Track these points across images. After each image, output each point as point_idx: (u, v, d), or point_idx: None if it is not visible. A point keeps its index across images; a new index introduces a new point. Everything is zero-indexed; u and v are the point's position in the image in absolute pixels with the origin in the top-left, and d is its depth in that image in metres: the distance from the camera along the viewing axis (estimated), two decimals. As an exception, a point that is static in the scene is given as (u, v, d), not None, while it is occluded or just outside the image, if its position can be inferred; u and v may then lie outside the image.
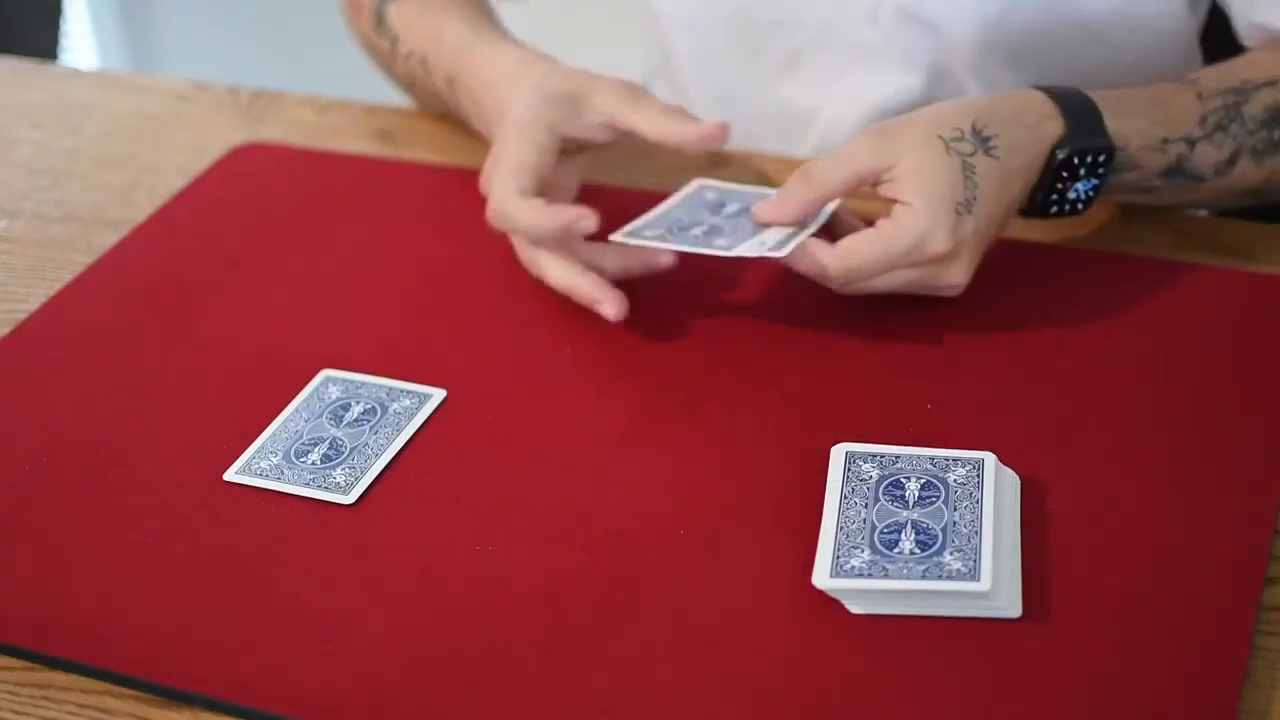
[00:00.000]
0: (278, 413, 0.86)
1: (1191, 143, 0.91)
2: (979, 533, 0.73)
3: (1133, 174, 0.90)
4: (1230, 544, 0.75)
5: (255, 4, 2.46)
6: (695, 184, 0.94)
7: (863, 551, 0.73)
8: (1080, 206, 0.90)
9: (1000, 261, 0.91)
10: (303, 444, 0.83)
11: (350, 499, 0.80)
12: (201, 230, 1.03)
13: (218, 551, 0.78)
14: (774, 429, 0.83)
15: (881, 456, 0.78)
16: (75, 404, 0.88)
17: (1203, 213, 1.02)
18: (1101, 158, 0.88)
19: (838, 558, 0.73)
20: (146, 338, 0.93)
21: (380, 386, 0.86)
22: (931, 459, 0.77)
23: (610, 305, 0.88)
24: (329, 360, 0.89)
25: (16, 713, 0.72)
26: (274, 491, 0.81)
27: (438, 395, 0.86)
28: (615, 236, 0.89)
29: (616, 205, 0.93)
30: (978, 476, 0.76)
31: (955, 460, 0.77)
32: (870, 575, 0.72)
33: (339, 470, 0.81)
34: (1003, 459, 0.78)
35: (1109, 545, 0.75)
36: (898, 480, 0.76)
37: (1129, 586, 0.73)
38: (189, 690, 0.71)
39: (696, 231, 0.89)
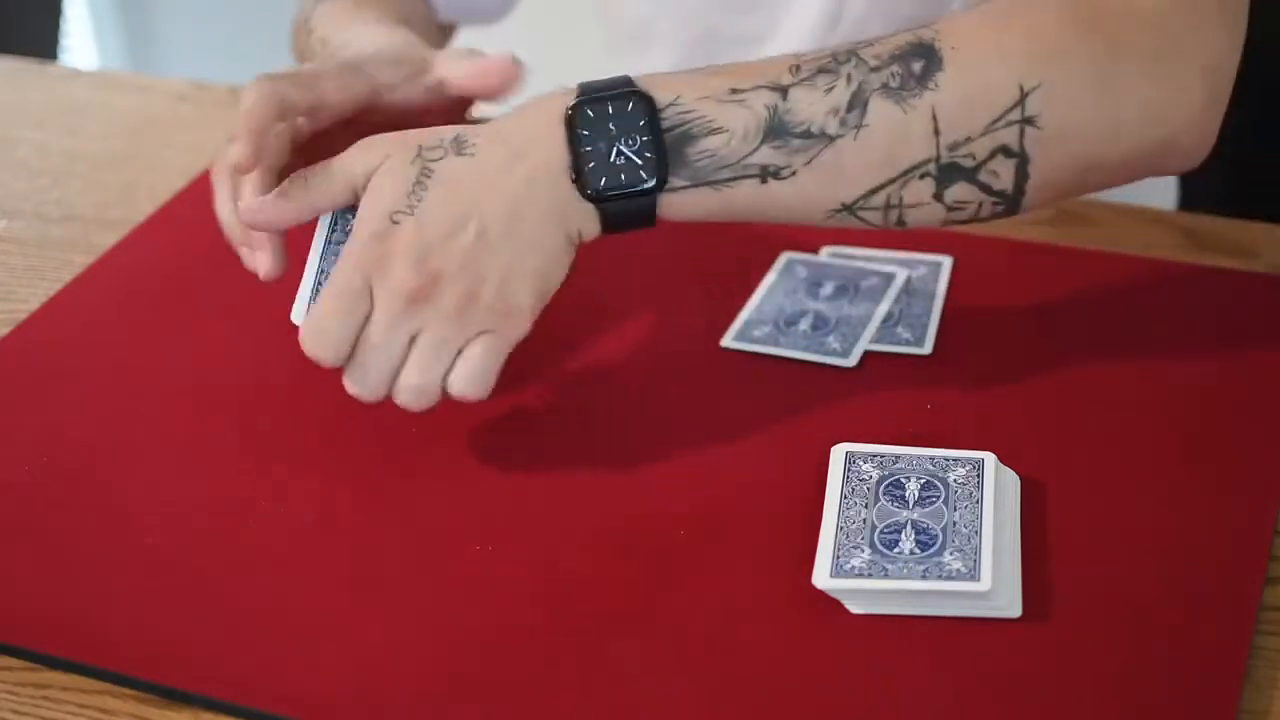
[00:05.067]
0: (278, 412, 0.86)
1: (782, 90, 0.76)
2: (979, 533, 0.73)
3: (717, 138, 0.76)
4: (1230, 544, 0.75)
5: (255, 4, 2.46)
6: (784, 260, 0.94)
7: (863, 551, 0.73)
8: (643, 175, 0.76)
9: (1001, 261, 0.91)
10: None
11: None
12: (201, 230, 1.02)
13: (218, 552, 0.78)
14: (774, 429, 0.83)
15: (881, 456, 0.78)
16: (75, 404, 0.88)
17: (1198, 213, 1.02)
18: (631, 105, 0.76)
19: (838, 558, 0.73)
20: (146, 338, 0.93)
21: None
22: (931, 459, 0.77)
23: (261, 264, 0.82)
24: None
25: (16, 713, 0.72)
26: (272, 491, 0.81)
27: None
28: (725, 342, 0.88)
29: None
30: (978, 476, 0.76)
31: (955, 460, 0.77)
32: (870, 575, 0.72)
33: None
34: (1003, 459, 0.78)
35: (1109, 545, 0.75)
36: (898, 480, 0.76)
37: (1129, 587, 0.73)
38: (189, 690, 0.71)
39: (804, 326, 0.89)
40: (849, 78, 0.76)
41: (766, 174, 0.76)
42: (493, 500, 0.80)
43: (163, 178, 1.09)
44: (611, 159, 0.76)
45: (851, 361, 0.87)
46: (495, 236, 0.76)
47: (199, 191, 1.07)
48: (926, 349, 0.87)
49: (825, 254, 0.94)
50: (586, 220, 0.77)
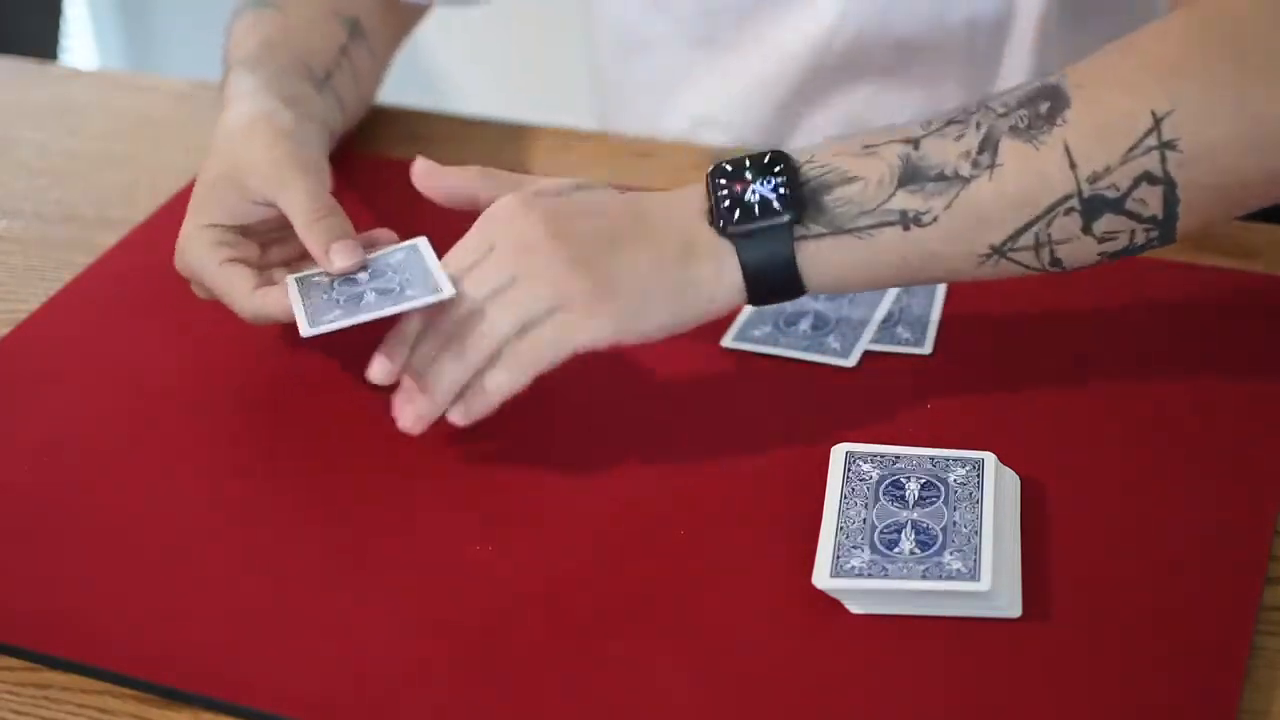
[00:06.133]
0: (278, 412, 0.86)
1: (913, 141, 0.78)
2: (979, 533, 0.73)
3: (853, 186, 0.78)
4: (1230, 544, 0.75)
5: (255, 4, 2.46)
6: None
7: (863, 551, 0.73)
8: (777, 207, 0.77)
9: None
10: None
11: None
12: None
13: (218, 552, 0.78)
14: (774, 429, 0.83)
15: (881, 456, 0.78)
16: (75, 404, 0.88)
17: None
18: (767, 157, 0.79)
19: (838, 558, 0.73)
20: (146, 338, 0.93)
21: None
22: (931, 459, 0.77)
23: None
24: (329, 359, 0.89)
25: (16, 713, 0.72)
26: (272, 491, 0.81)
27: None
28: (725, 342, 0.89)
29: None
30: (978, 476, 0.76)
31: (955, 460, 0.77)
32: (870, 575, 0.72)
33: None
34: (1003, 459, 0.78)
35: (1109, 545, 0.75)
36: (898, 480, 0.76)
37: (1129, 586, 0.73)
38: (189, 690, 0.71)
39: (804, 326, 0.89)
40: (978, 125, 0.78)
41: (907, 220, 0.77)
42: (493, 500, 0.80)
43: (163, 178, 1.09)
44: (746, 197, 0.78)
45: (851, 361, 0.87)
46: (623, 238, 0.78)
47: (199, 191, 1.07)
48: (926, 349, 0.87)
49: None
50: (727, 265, 0.78)
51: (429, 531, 0.79)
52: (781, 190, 0.78)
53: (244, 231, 0.88)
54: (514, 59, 2.24)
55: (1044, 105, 0.77)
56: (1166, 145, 0.76)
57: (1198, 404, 0.83)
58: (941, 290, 0.91)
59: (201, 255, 0.86)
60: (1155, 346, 0.87)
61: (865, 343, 0.88)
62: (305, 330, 0.79)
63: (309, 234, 0.84)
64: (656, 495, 0.80)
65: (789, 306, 0.90)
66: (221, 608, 0.75)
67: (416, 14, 1.13)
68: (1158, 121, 0.76)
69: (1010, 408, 0.83)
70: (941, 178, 0.77)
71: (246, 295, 0.84)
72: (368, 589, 0.76)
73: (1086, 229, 0.77)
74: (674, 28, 1.14)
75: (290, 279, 0.84)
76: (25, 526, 0.80)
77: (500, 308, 0.78)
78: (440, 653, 0.72)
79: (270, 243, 0.89)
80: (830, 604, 0.73)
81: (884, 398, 0.85)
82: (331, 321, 0.79)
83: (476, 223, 0.81)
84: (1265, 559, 0.74)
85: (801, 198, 0.78)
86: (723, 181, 0.79)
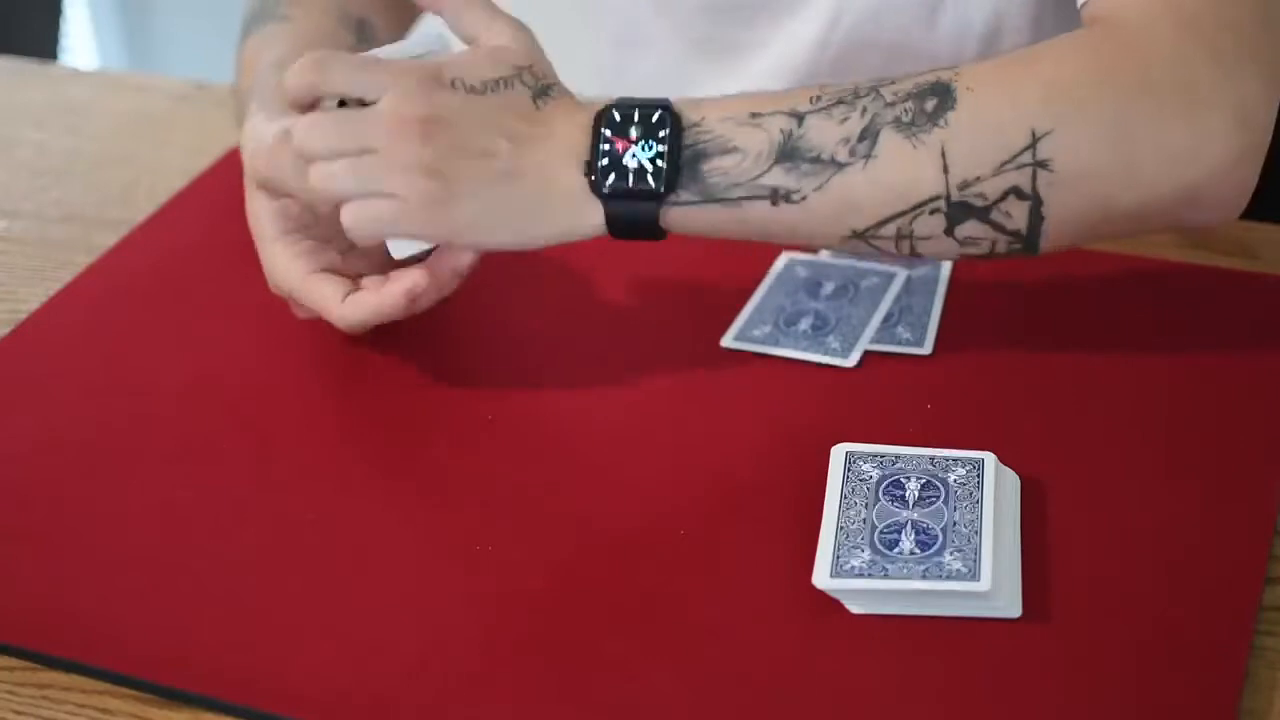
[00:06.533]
0: (277, 412, 0.86)
1: (799, 116, 0.79)
2: (979, 533, 0.73)
3: (731, 158, 0.79)
4: (1230, 544, 0.75)
5: (255, 4, 2.46)
6: (784, 260, 0.94)
7: (863, 551, 0.73)
8: (650, 180, 0.79)
9: (1001, 261, 0.90)
10: None
11: None
12: (201, 230, 1.03)
13: (218, 551, 0.78)
14: (774, 429, 0.83)
15: (881, 456, 0.78)
16: (75, 404, 0.88)
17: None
18: (656, 115, 0.79)
19: (838, 558, 0.73)
20: (146, 338, 0.93)
21: None
22: (931, 459, 0.77)
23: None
24: (328, 359, 0.89)
25: (16, 713, 0.72)
26: (272, 491, 0.81)
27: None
28: (725, 342, 0.89)
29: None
30: (978, 476, 0.76)
31: (955, 460, 0.77)
32: (870, 575, 0.72)
33: None
34: (1003, 459, 0.78)
35: (1109, 545, 0.75)
36: (898, 480, 0.76)
37: (1129, 586, 0.73)
38: (189, 690, 0.71)
39: (804, 326, 0.89)
40: (864, 110, 0.78)
41: (778, 196, 0.79)
42: (493, 500, 0.80)
43: (163, 178, 1.09)
44: (624, 161, 0.79)
45: (851, 361, 0.87)
46: (496, 160, 0.80)
47: (199, 191, 1.07)
48: (926, 349, 0.87)
49: (825, 254, 0.94)
50: (590, 215, 0.80)
51: (429, 531, 0.79)
52: (659, 163, 0.79)
53: (322, 239, 0.86)
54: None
55: (930, 102, 0.78)
56: (1040, 164, 0.76)
57: (1198, 404, 0.83)
58: (941, 290, 0.91)
59: (288, 271, 0.85)
60: (1155, 346, 0.87)
61: (865, 343, 0.88)
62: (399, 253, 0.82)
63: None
64: (656, 495, 0.80)
65: (789, 306, 0.90)
66: (221, 608, 0.75)
67: (416, 11, 1.13)
68: (1035, 140, 0.76)
69: (1010, 408, 0.83)
70: (818, 160, 0.78)
71: (337, 305, 0.84)
72: (368, 589, 0.76)
73: (949, 231, 0.78)
74: (672, 27, 1.14)
75: None
76: (25, 526, 0.80)
77: (348, 167, 0.80)
78: (440, 653, 0.72)
79: (346, 250, 0.87)
80: (830, 604, 0.73)
81: (884, 398, 0.85)
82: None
83: (389, 76, 0.81)
84: (1265, 559, 0.74)
85: (678, 167, 0.79)
86: (607, 134, 0.80)
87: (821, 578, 0.72)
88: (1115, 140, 0.77)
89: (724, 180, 0.79)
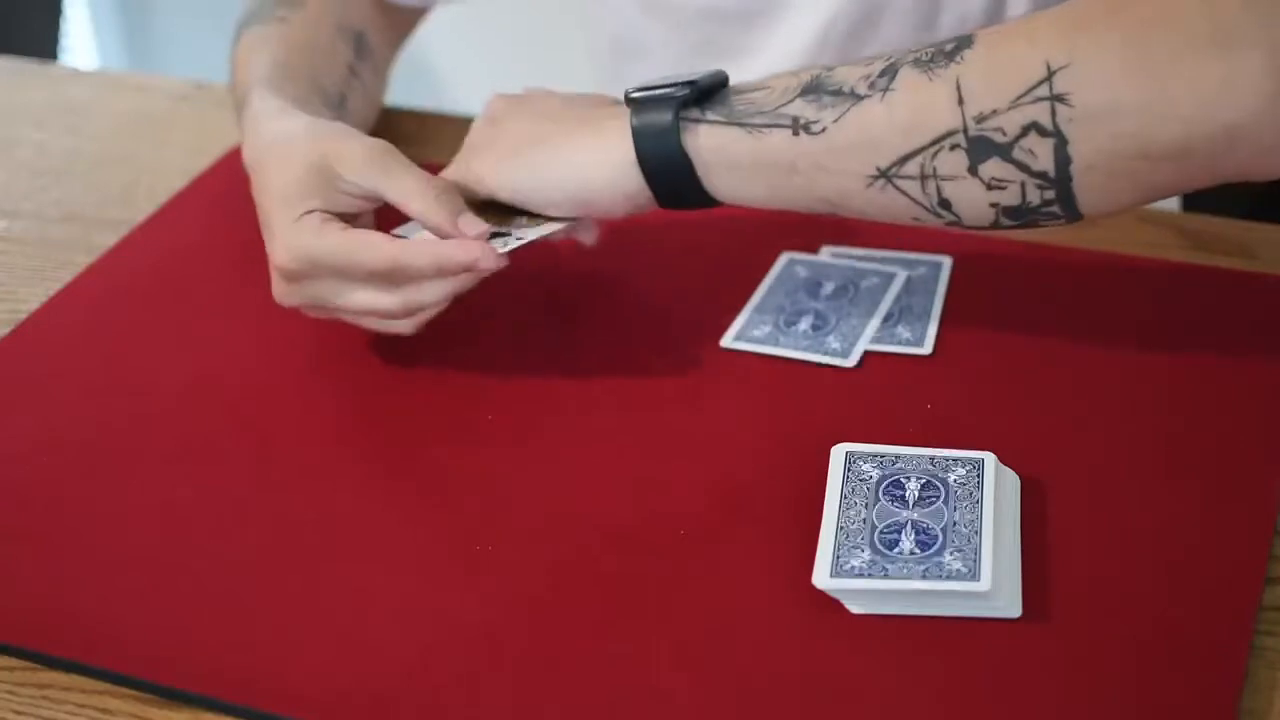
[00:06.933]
0: (277, 412, 0.86)
1: (829, 68, 0.82)
2: (979, 533, 0.73)
3: (759, 92, 0.81)
4: (1230, 544, 0.75)
5: (255, 4, 2.46)
6: (784, 260, 0.94)
7: (863, 551, 0.73)
8: (673, 89, 0.82)
9: (1001, 261, 0.91)
10: None
11: None
12: (201, 230, 1.03)
13: (218, 551, 0.78)
14: (774, 429, 0.83)
15: (881, 456, 0.78)
16: (75, 404, 0.88)
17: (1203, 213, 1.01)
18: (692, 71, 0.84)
19: (838, 558, 0.73)
20: (146, 338, 0.93)
21: None
22: (931, 459, 0.77)
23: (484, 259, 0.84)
24: (328, 359, 0.89)
25: (16, 713, 0.72)
26: (272, 491, 0.81)
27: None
28: (725, 342, 0.89)
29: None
30: (978, 476, 0.76)
31: (955, 460, 0.77)
32: (870, 575, 0.72)
33: None
34: (1003, 459, 0.78)
35: (1109, 545, 0.75)
36: (898, 480, 0.76)
37: (1129, 586, 0.73)
38: (189, 690, 0.71)
39: (804, 326, 0.89)
40: (888, 57, 0.80)
41: (797, 125, 0.79)
42: (493, 500, 0.80)
43: (163, 178, 1.09)
44: (661, 81, 0.83)
45: (851, 361, 0.87)
46: (541, 121, 0.87)
47: (199, 191, 1.07)
48: (926, 349, 0.87)
49: (825, 254, 0.94)
50: (613, 126, 0.83)
51: (429, 531, 0.79)
52: (688, 78, 0.83)
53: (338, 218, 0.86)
54: (514, 58, 2.24)
55: (950, 45, 0.78)
56: (1057, 98, 0.75)
57: (1198, 404, 0.83)
58: (941, 290, 0.91)
59: (318, 235, 0.83)
60: (1155, 346, 0.87)
61: (865, 343, 0.88)
62: (501, 248, 0.84)
63: (433, 209, 0.84)
64: (656, 495, 0.80)
65: (789, 306, 0.90)
66: (221, 608, 0.75)
67: (414, 18, 1.13)
68: (1051, 73, 0.75)
69: (1010, 408, 0.83)
70: (838, 93, 0.79)
71: (387, 242, 0.83)
72: (368, 589, 0.76)
73: (973, 170, 0.77)
74: (670, 34, 1.14)
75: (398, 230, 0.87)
76: (25, 526, 0.80)
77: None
78: (441, 652, 0.72)
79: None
80: (830, 604, 0.73)
81: (884, 398, 0.85)
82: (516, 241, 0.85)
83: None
84: (1265, 559, 0.74)
85: (705, 89, 0.82)
86: (642, 88, 0.84)
87: (821, 578, 0.72)
88: (1136, 72, 0.74)
89: (748, 108, 0.81)
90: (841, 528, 0.74)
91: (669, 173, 0.82)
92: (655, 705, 0.69)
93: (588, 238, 0.92)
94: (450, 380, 0.88)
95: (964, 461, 0.77)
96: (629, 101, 0.83)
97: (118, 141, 1.15)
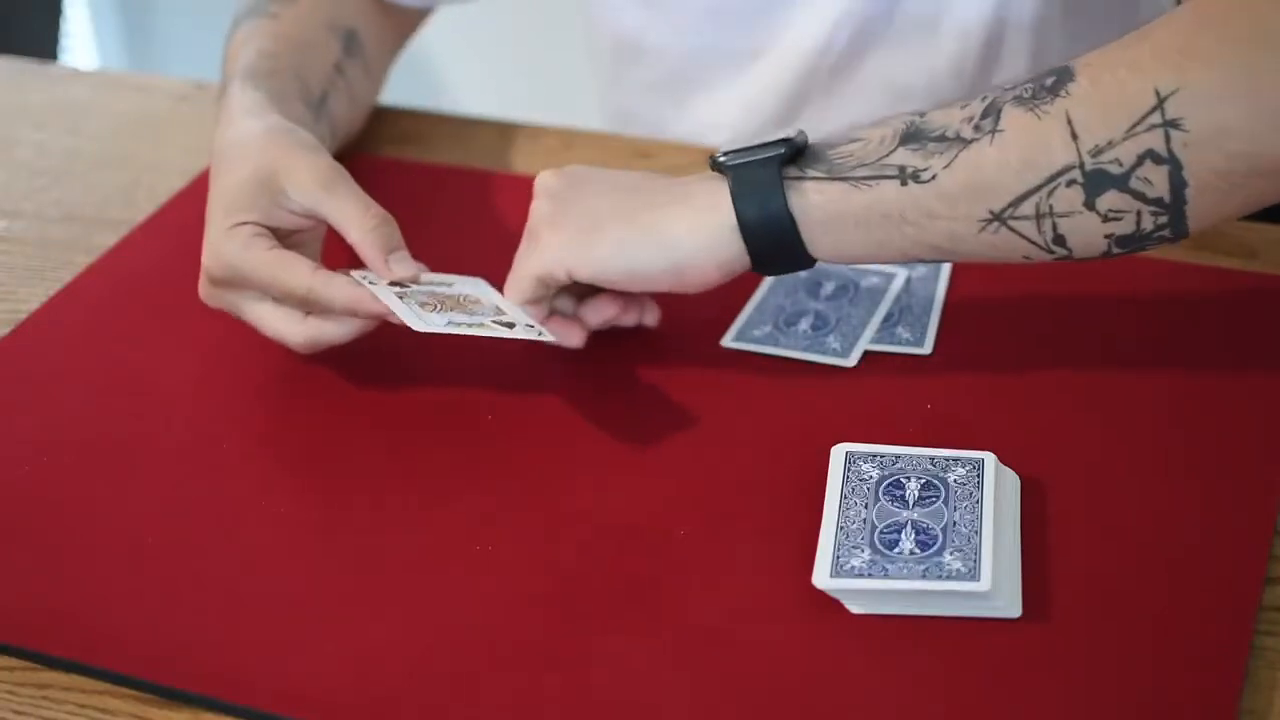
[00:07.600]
0: (277, 412, 0.86)
1: (919, 113, 0.80)
2: (979, 533, 0.73)
3: (855, 144, 0.80)
4: (1230, 544, 0.75)
5: (255, 4, 2.46)
6: None
7: (863, 551, 0.73)
8: (769, 149, 0.80)
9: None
10: None
11: None
12: (201, 230, 1.02)
13: (218, 551, 0.78)
14: (774, 429, 0.83)
15: (881, 456, 0.78)
16: (75, 404, 0.88)
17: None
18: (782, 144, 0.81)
19: (838, 558, 0.73)
20: (146, 338, 0.93)
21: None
22: (931, 459, 0.77)
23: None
24: (328, 359, 0.89)
25: (16, 713, 0.72)
26: (272, 491, 0.81)
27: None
28: (725, 342, 0.89)
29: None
30: (978, 476, 0.76)
31: (955, 460, 0.77)
32: (870, 575, 0.72)
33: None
34: (1003, 459, 0.78)
35: (1109, 545, 0.75)
36: (898, 480, 0.76)
37: (1129, 586, 0.73)
38: (189, 690, 0.71)
39: (804, 326, 0.89)
40: (983, 98, 0.78)
41: (905, 175, 0.78)
42: (492, 500, 0.80)
43: (163, 178, 1.09)
44: (746, 145, 0.81)
45: (851, 361, 0.87)
46: (617, 194, 0.84)
47: (199, 191, 1.06)
48: (926, 349, 0.87)
49: None
50: (709, 196, 0.81)
51: (429, 531, 0.79)
52: (778, 137, 0.80)
53: (274, 234, 0.86)
54: (514, 58, 2.24)
55: (1050, 80, 0.77)
56: (1170, 124, 0.74)
57: (1198, 404, 0.83)
58: (942, 290, 0.91)
59: (245, 248, 0.84)
60: (1155, 346, 0.87)
61: (865, 343, 0.88)
62: (417, 326, 0.81)
63: (366, 241, 0.84)
64: (657, 495, 0.80)
65: (789, 306, 0.90)
66: (222, 607, 0.75)
67: (414, 20, 1.12)
68: (1161, 100, 0.74)
69: (1010, 408, 0.83)
70: (943, 139, 0.77)
71: (309, 271, 0.83)
72: (368, 588, 0.76)
73: (1089, 204, 0.76)
74: (672, 35, 1.14)
75: (357, 274, 0.84)
76: (25, 526, 0.80)
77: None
78: (440, 652, 0.72)
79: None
80: (830, 604, 0.73)
81: (884, 398, 0.85)
82: (442, 327, 0.81)
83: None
84: (1265, 559, 0.74)
85: (798, 146, 0.80)
86: (730, 151, 0.81)
87: (821, 578, 0.72)
88: (1246, 94, 0.74)
89: (849, 161, 0.79)
90: (841, 528, 0.74)
91: (772, 235, 0.80)
92: (655, 705, 0.69)
93: (651, 319, 0.89)
94: (450, 380, 0.88)
95: (964, 461, 0.77)
96: (716, 166, 0.81)
97: (117, 141, 1.15)
